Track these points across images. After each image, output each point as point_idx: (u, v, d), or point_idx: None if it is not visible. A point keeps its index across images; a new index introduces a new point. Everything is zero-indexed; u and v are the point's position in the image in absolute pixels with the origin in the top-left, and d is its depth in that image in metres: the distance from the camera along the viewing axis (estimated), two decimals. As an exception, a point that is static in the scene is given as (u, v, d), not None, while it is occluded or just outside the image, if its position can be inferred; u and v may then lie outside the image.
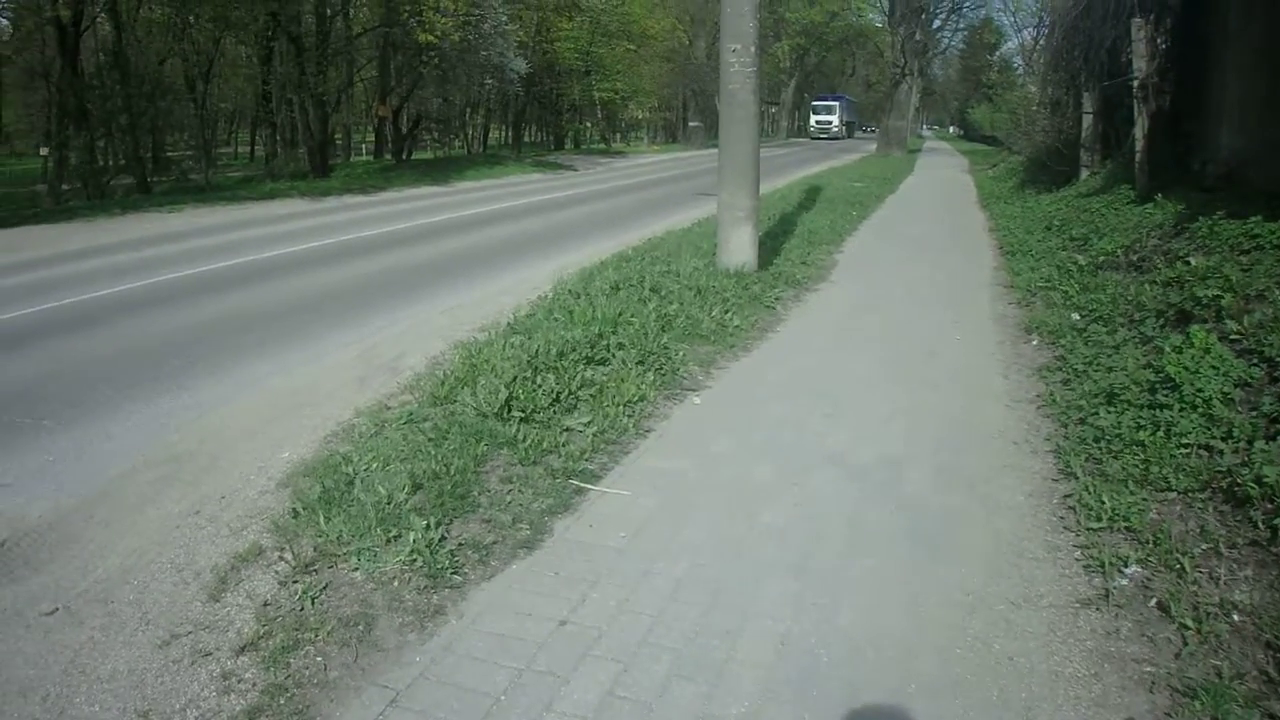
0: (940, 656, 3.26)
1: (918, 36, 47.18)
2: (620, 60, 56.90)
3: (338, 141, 44.02)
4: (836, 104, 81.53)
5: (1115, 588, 3.64)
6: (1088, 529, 4.09)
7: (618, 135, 69.85)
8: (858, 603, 3.60)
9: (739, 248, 9.60)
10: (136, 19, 32.98)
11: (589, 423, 5.38)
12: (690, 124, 68.15)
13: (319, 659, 3.31)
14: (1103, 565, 3.78)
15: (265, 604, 3.63)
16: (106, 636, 3.56)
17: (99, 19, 30.83)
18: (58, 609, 3.81)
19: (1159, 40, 12.28)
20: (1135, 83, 12.18)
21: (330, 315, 9.23)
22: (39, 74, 34.51)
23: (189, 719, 3.08)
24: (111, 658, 3.42)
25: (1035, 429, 5.47)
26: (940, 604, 3.58)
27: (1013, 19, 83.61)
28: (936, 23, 60.54)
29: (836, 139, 74.61)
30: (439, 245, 14.29)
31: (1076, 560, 3.90)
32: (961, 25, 70.15)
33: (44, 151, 29.96)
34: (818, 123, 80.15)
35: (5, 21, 28.78)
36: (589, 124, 64.01)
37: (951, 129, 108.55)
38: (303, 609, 3.57)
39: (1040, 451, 5.12)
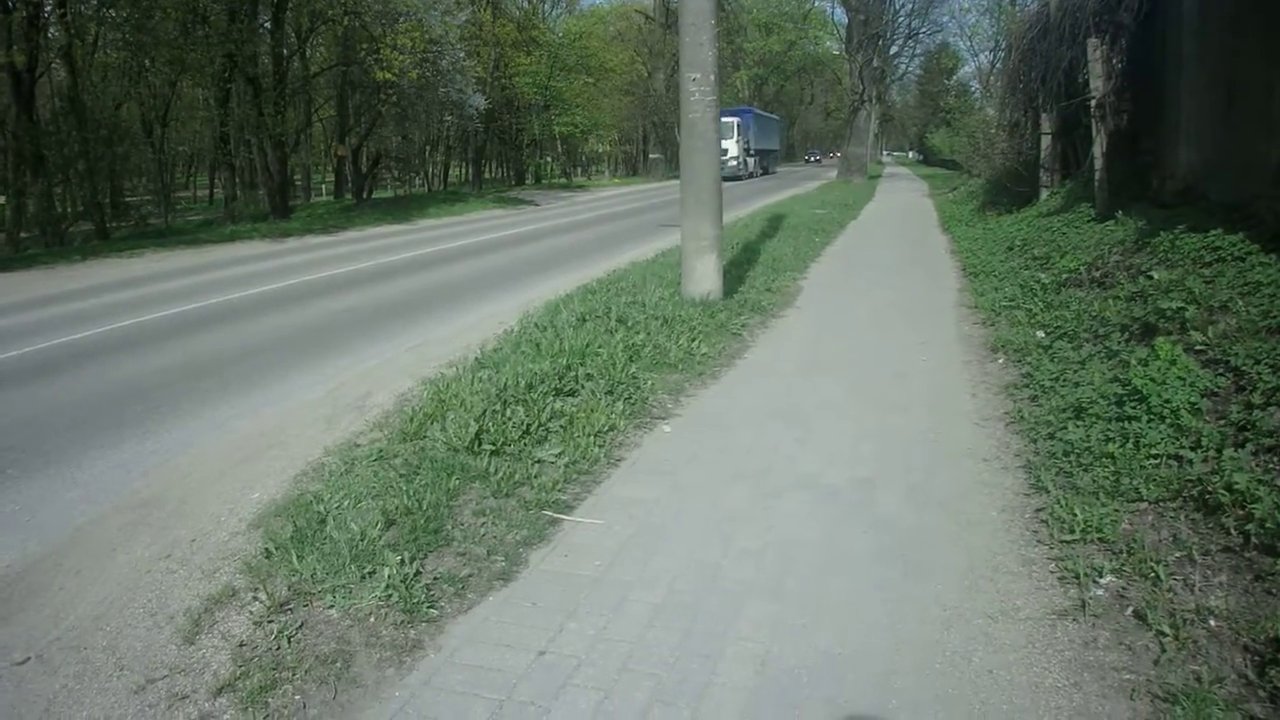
0: (920, 672, 3.28)
1: (875, 63, 48.09)
2: (580, 94, 57.79)
3: (297, 182, 44.08)
4: (735, 121, 52.99)
5: (1091, 598, 3.67)
6: (1061, 541, 4.13)
7: (578, 169, 70.16)
8: (836, 622, 3.61)
9: (704, 276, 9.65)
10: (92, 64, 32.86)
11: (560, 453, 5.38)
12: (651, 156, 68.85)
13: (298, 697, 3.29)
14: (1078, 576, 3.81)
15: (241, 644, 3.60)
16: (81, 684, 3.52)
17: (53, 65, 30.69)
18: (30, 658, 3.75)
19: (1115, 60, 12.48)
20: (1093, 102, 12.39)
21: (295, 356, 9.17)
22: (-8, 122, 34.27)
23: (164, 766, 3.05)
24: (87, 705, 3.38)
25: (1005, 446, 5.52)
26: (918, 620, 3.60)
27: (969, 43, 77.95)
28: (894, 49, 61.43)
29: (738, 178, 51.63)
30: (403, 283, 14.27)
31: (1051, 573, 3.93)
32: (918, 51, 70.05)
33: (0, 200, 29.73)
34: None
35: (-42, 70, 28.46)
36: (550, 158, 64.53)
37: (911, 154, 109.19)
38: (279, 648, 3.55)
39: (1011, 468, 5.17)
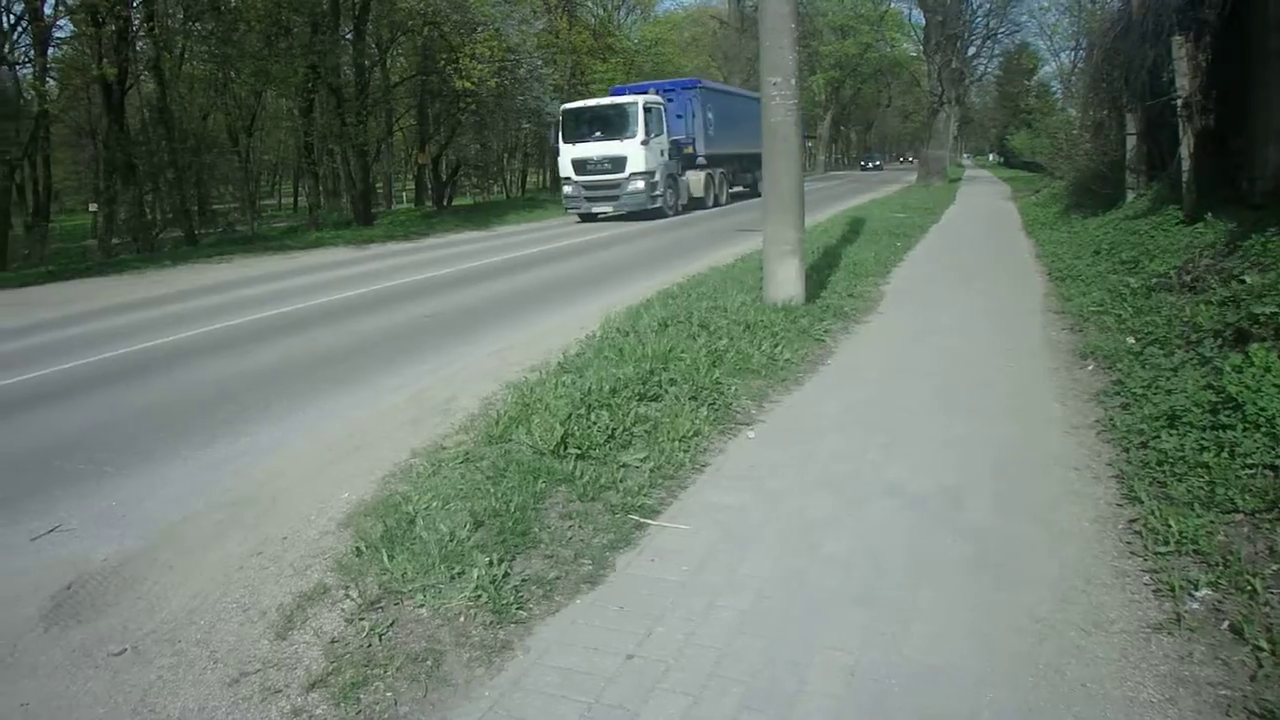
0: (1012, 685, 3.20)
1: (954, 64, 46.62)
2: None
3: (379, 190, 44.67)
4: (637, 104, 28.14)
5: (1186, 611, 3.56)
6: (1155, 553, 4.00)
7: None
8: (925, 632, 3.55)
9: (786, 281, 9.58)
10: (179, 75, 33.69)
11: (645, 458, 5.36)
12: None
13: (389, 694, 3.32)
14: (1172, 589, 3.69)
15: (333, 641, 3.65)
16: (175, 675, 3.59)
17: (143, 76, 31.49)
18: (126, 649, 3.83)
19: (1200, 58, 12.17)
20: (1179, 102, 12.08)
21: (381, 359, 9.31)
22: (86, 132, 35.46)
23: (259, 757, 3.09)
24: (181, 696, 3.44)
25: (1096, 454, 5.38)
26: (1009, 631, 3.52)
27: (1049, 43, 74.17)
28: (972, 50, 59.35)
29: (656, 213, 28.30)
30: (483, 289, 14.40)
31: (1145, 585, 3.81)
32: (997, 51, 68.14)
33: (93, 207, 30.69)
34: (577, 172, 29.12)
35: (52, 82, 29.40)
36: None
37: (991, 156, 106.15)
38: (370, 645, 3.58)
39: (1102, 477, 5.04)
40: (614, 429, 5.64)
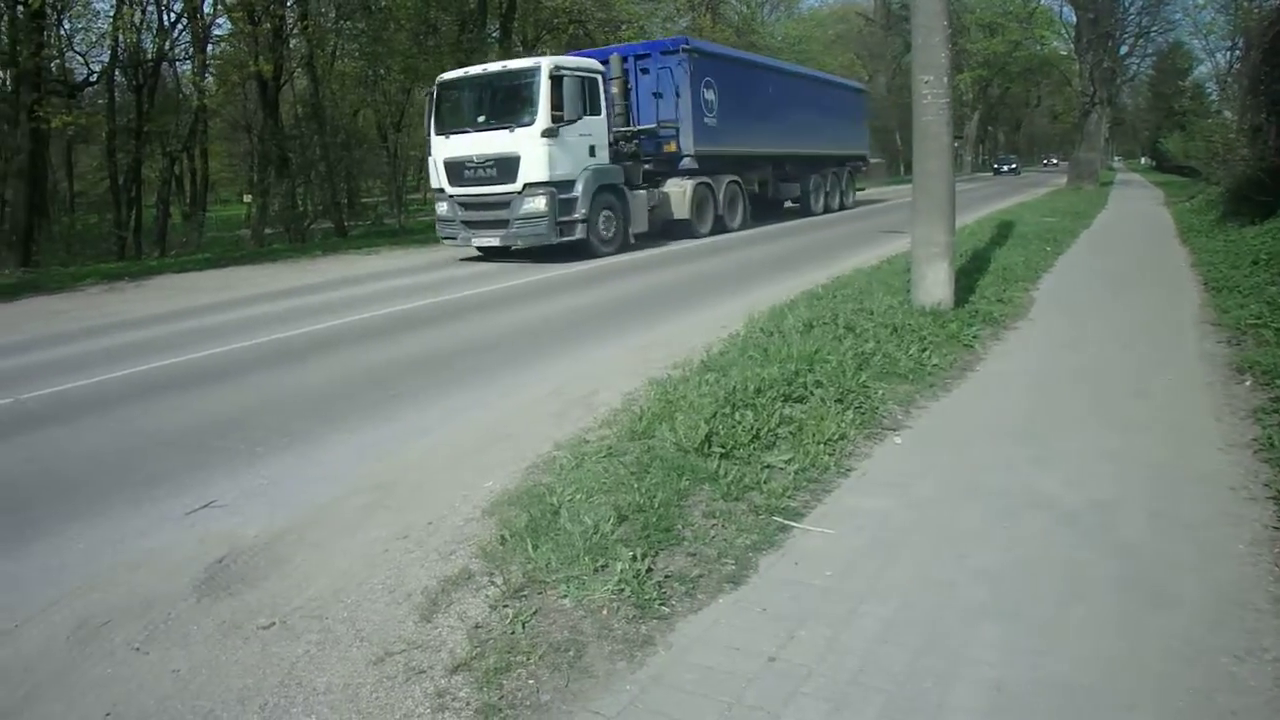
0: (1160, 709, 3.04)
1: (1105, 63, 44.76)
2: None
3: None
4: (530, 82, 17.16)
5: (1347, 644, 3.34)
6: (1314, 582, 3.77)
7: None
8: (1073, 651, 3.39)
9: (934, 284, 9.36)
10: (331, 72, 34.66)
11: (789, 460, 5.28)
12: (870, 160, 66.97)
13: (531, 682, 3.32)
14: (1332, 620, 3.47)
15: (476, 626, 3.68)
16: (321, 651, 3.66)
17: (296, 73, 32.53)
18: (274, 623, 3.93)
19: (1366, 59, 11.42)
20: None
21: (523, 351, 9.44)
22: (242, 126, 36.83)
23: (405, 735, 3.12)
24: (327, 671, 3.51)
25: (1253, 474, 5.08)
26: (1159, 654, 3.34)
27: (1204, 42, 70.43)
28: (1124, 48, 56.85)
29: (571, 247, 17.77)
30: (626, 284, 14.51)
31: (1303, 613, 3.59)
32: (1150, 50, 65.18)
33: (247, 198, 31.80)
34: (451, 181, 18.11)
35: (211, 78, 30.68)
36: None
37: (1142, 160, 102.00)
38: (514, 633, 3.60)
39: (1259, 498, 4.75)
40: (758, 429, 5.57)
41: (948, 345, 8.13)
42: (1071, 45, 51.75)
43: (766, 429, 5.63)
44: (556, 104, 16.78)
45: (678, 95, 20.76)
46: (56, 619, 4.16)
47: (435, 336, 10.57)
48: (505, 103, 17.54)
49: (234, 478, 5.96)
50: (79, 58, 29.69)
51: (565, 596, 3.82)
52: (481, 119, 17.70)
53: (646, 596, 3.77)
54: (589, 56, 20.09)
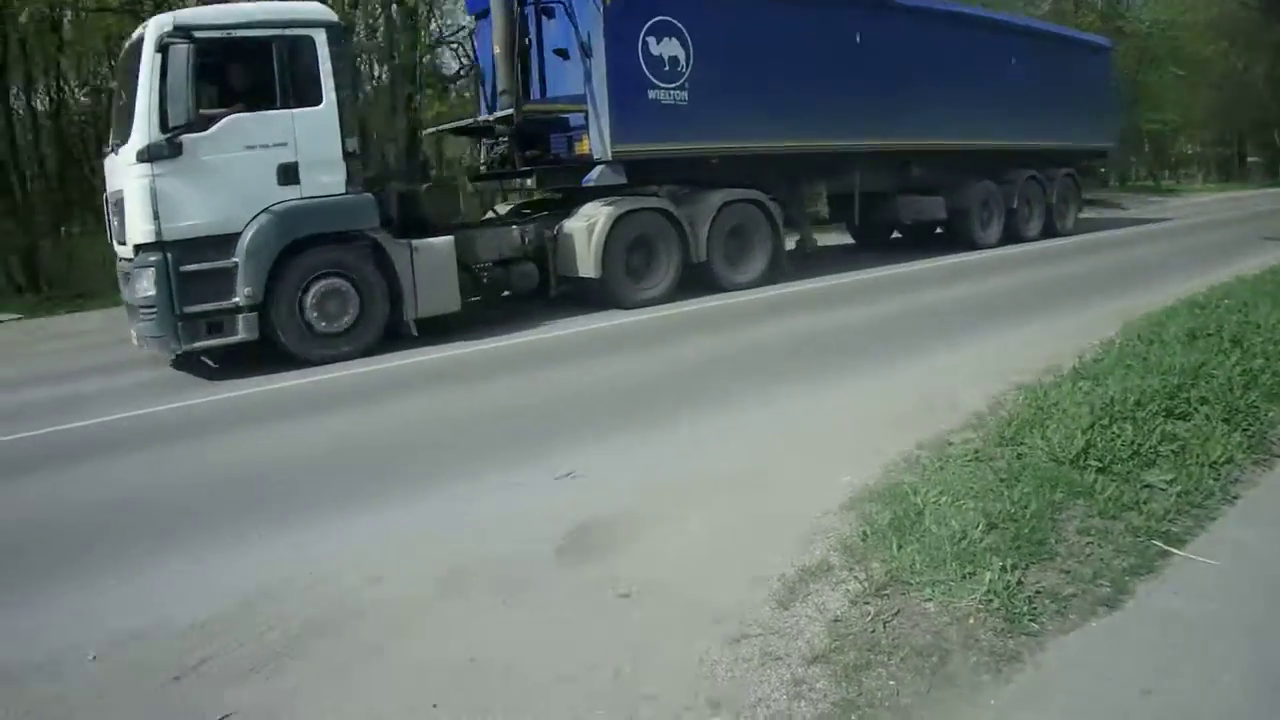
0: None
1: None
2: (1169, 89, 51.31)
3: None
4: (142, 65, 9.40)
5: None
6: None
7: (1166, 171, 63.10)
8: None
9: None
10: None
11: (1171, 480, 4.87)
12: (1248, 159, 60.67)
13: (891, 682, 3.24)
14: None
15: (835, 620, 3.63)
16: (676, 626, 3.74)
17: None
18: (630, 593, 4.07)
19: None
20: None
21: (889, 345, 9.39)
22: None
23: (759, 717, 3.13)
24: (682, 646, 3.57)
25: None
26: None
27: None
28: None
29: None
30: (983, 282, 14.04)
31: None
32: None
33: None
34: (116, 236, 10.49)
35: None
36: (1133, 159, 58.13)
37: None
38: (874, 631, 3.53)
39: None
40: (1137, 445, 5.18)
41: (1353, 367, 7.23)
42: None
43: (1147, 445, 5.21)
44: (174, 96, 9.41)
45: (587, 50, 12.62)
46: (427, 569, 4.51)
47: (813, 322, 10.74)
48: (132, 99, 9.78)
49: (593, 451, 6.27)
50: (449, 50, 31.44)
51: (929, 600, 3.70)
52: (113, 126, 11.08)
53: (1016, 610, 3.59)
54: None
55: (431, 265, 10.90)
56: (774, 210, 14.49)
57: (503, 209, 15.04)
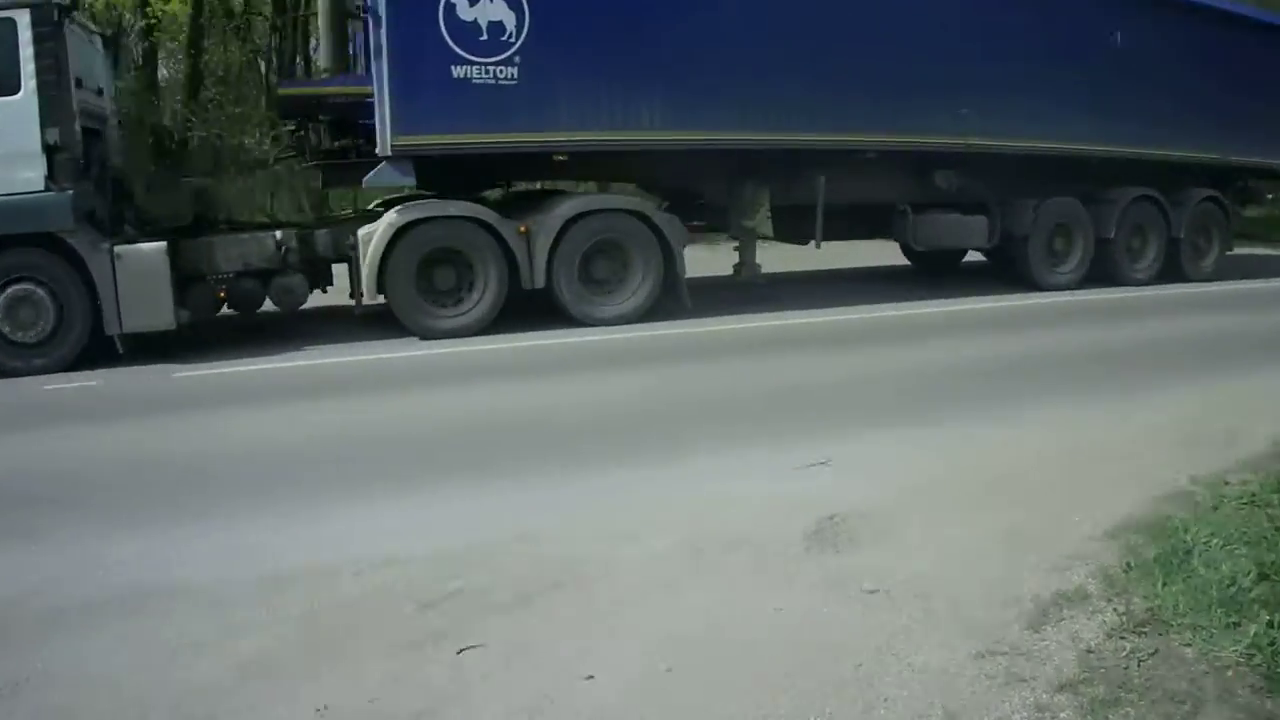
0: None
1: None
2: None
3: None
4: None
5: None
6: None
7: None
8: None
9: None
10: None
11: None
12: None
13: (1135, 723, 3.23)
14: None
15: (1088, 650, 3.61)
16: (922, 630, 3.79)
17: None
18: (879, 590, 4.14)
19: None
20: None
21: (1141, 368, 9.03)
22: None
23: (996, 736, 3.17)
24: (924, 651, 3.62)
25: None
26: None
27: None
28: None
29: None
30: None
31: None
32: None
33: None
34: None
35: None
36: None
37: None
38: (1127, 668, 3.49)
39: None
40: None
41: None
42: None
43: None
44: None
45: (376, 16, 9.92)
46: (671, 535, 4.78)
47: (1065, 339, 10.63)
48: None
49: (833, 441, 6.39)
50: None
51: (1189, 645, 3.62)
52: None
53: (1278, 669, 3.49)
54: None
55: (136, 274, 9.35)
56: (666, 225, 11.27)
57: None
